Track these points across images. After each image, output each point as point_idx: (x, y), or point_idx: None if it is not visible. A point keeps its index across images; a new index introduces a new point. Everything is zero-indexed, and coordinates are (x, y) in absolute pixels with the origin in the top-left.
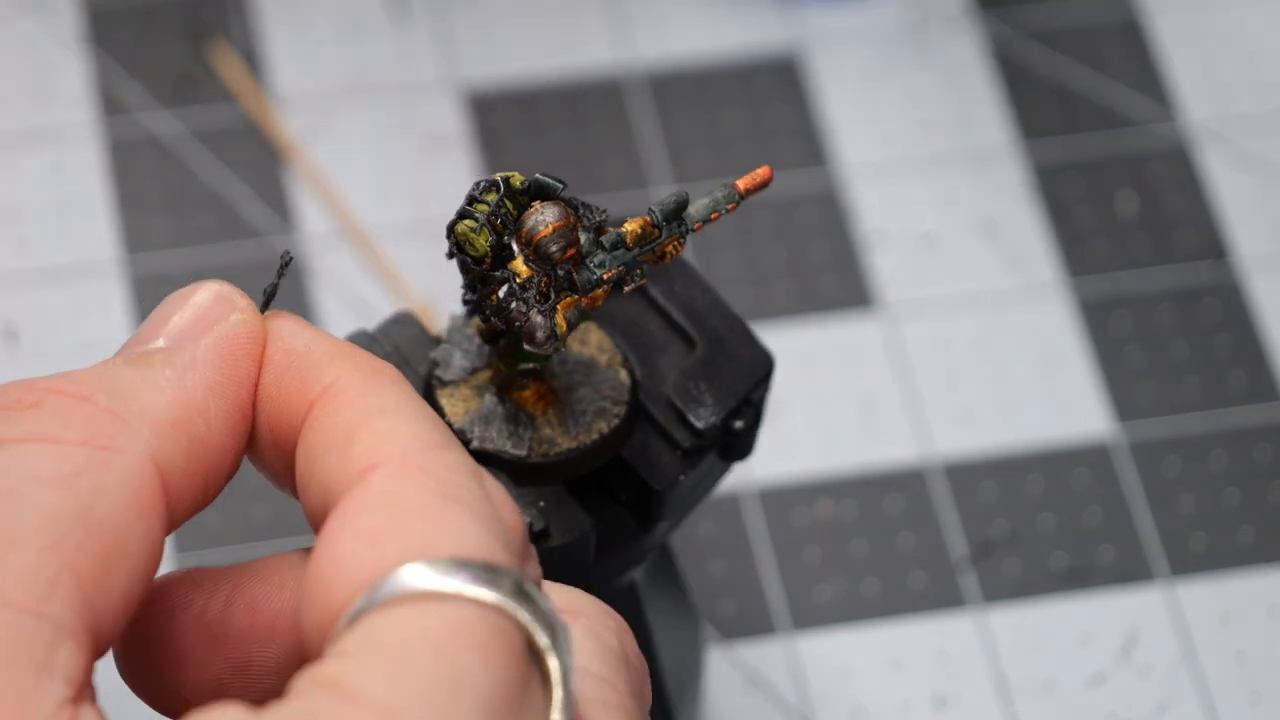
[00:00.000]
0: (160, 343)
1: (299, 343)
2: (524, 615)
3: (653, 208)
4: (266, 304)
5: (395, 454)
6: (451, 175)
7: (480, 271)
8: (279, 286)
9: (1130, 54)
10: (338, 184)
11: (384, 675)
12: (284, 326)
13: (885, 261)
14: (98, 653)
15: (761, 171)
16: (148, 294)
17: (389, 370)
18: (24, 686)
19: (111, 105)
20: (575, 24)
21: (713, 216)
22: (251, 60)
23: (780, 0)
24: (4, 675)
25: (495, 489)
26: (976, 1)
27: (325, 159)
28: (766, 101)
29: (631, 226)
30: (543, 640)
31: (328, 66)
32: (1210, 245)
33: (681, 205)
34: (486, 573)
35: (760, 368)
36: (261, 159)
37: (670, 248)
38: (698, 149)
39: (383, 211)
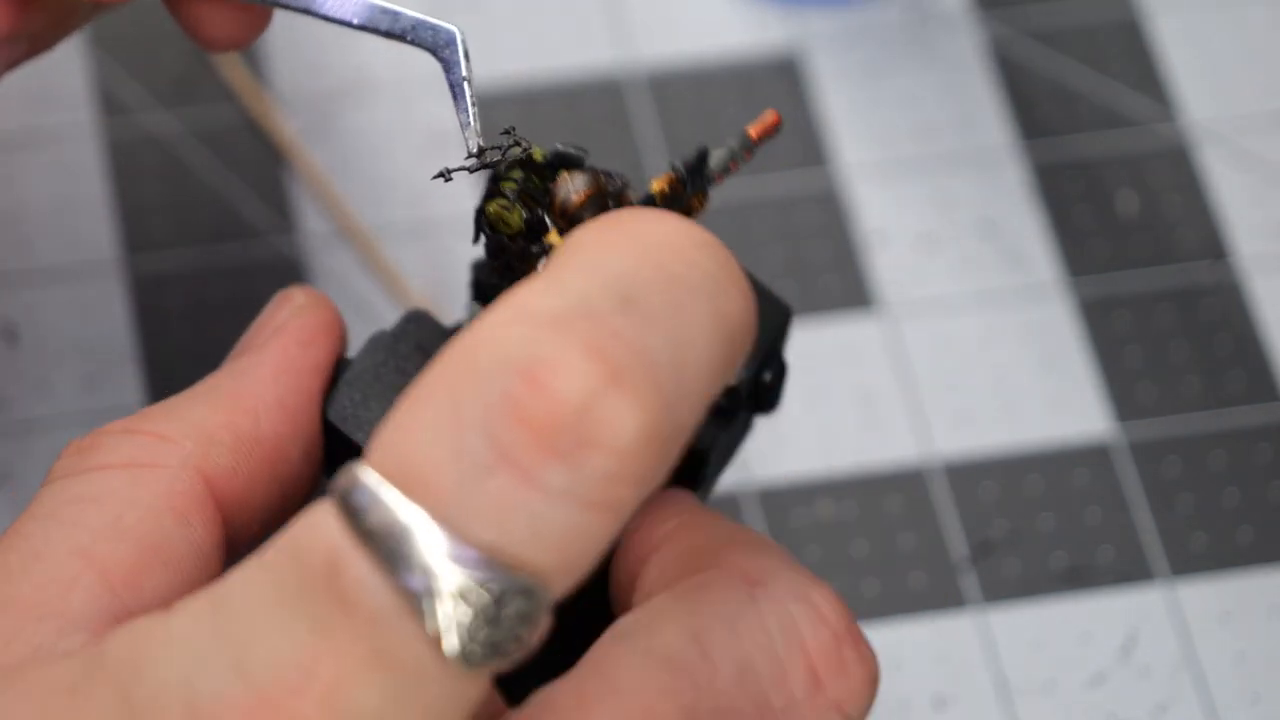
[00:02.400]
0: None
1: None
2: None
3: (675, 164)
4: (479, 167)
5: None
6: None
7: (516, 248)
8: (492, 162)
9: (1130, 54)
10: (338, 184)
11: None
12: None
13: (885, 261)
14: None
15: (769, 115)
16: (148, 294)
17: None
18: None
19: (111, 105)
20: (575, 24)
21: (731, 166)
22: (251, 60)
23: (780, 0)
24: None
25: None
26: (976, 1)
27: (325, 159)
28: (766, 101)
29: (659, 185)
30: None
31: (328, 66)
32: (1210, 245)
33: (703, 159)
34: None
35: (779, 316)
36: (261, 159)
37: (695, 203)
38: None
39: (383, 211)
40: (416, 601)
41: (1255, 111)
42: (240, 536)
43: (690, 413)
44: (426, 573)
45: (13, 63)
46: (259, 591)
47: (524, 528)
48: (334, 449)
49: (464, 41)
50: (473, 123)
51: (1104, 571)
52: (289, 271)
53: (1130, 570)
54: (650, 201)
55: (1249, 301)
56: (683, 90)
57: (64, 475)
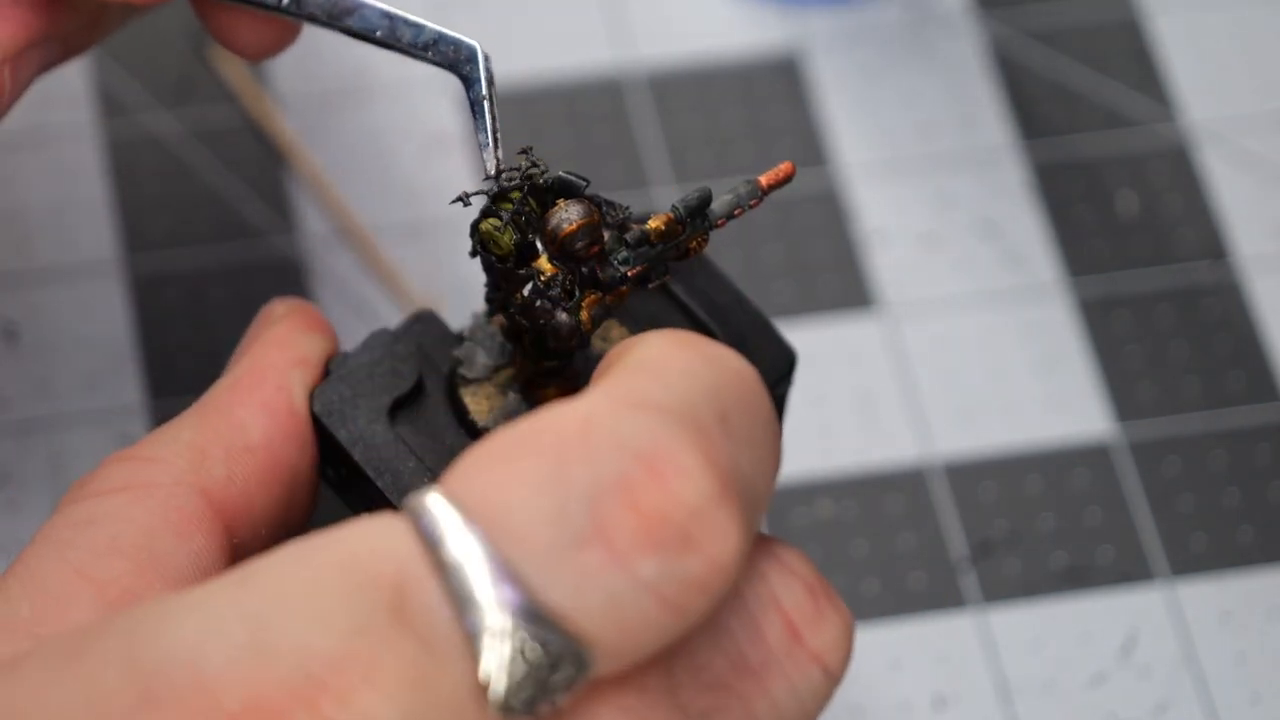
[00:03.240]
0: None
1: None
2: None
3: (676, 204)
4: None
5: None
6: (451, 175)
7: (505, 269)
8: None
9: (1130, 54)
10: (337, 184)
11: None
12: None
13: (885, 261)
14: None
15: (784, 167)
16: (148, 294)
17: None
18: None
19: (111, 105)
20: (575, 24)
21: (736, 213)
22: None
23: (780, 0)
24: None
25: None
26: (976, 1)
27: (325, 159)
28: (766, 101)
29: (655, 224)
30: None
31: (328, 66)
32: (1210, 245)
33: (705, 202)
34: None
35: (782, 364)
36: (261, 159)
37: (694, 244)
38: (698, 149)
39: (383, 212)
40: (475, 642)
41: (1255, 111)
42: (248, 539)
43: (751, 540)
44: (493, 618)
45: (46, 66)
46: (299, 580)
47: (600, 604)
48: (324, 440)
49: (486, 58)
50: (492, 143)
51: (1104, 571)
52: (289, 271)
53: (1130, 570)
54: (645, 238)
55: (1249, 301)
56: (683, 90)
57: (65, 506)
